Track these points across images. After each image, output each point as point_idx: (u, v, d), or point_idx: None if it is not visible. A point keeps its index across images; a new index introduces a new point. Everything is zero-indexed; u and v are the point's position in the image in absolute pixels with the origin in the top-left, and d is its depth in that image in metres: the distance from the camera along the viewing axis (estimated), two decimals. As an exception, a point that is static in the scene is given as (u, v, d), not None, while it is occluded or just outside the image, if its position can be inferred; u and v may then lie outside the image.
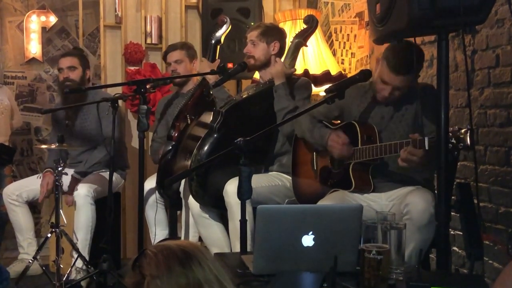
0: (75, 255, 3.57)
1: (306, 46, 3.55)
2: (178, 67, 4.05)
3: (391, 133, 2.82)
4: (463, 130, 2.22)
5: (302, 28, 3.54)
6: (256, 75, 3.84)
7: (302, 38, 3.47)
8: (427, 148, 2.42)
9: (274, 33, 3.48)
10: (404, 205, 2.58)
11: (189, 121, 3.68)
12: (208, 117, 3.39)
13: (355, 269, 1.97)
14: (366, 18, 3.96)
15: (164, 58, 4.19)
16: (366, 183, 2.85)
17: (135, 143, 4.46)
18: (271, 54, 3.45)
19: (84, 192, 3.75)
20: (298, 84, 3.39)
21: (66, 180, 3.69)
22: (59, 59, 4.16)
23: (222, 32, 3.72)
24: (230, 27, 3.74)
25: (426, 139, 2.41)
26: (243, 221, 2.48)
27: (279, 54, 3.47)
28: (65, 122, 4.10)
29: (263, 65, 3.45)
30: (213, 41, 3.73)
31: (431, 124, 2.57)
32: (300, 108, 3.15)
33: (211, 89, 3.55)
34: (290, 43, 3.50)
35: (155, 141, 4.13)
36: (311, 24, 3.50)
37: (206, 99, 3.67)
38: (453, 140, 2.22)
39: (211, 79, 3.57)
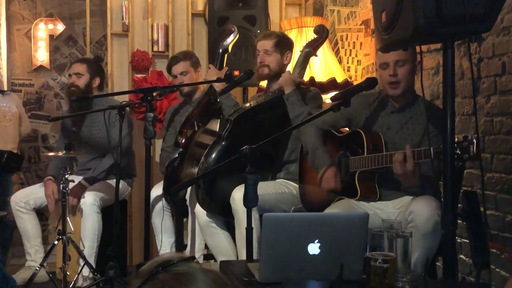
0: (82, 263, 3.58)
1: (316, 56, 3.56)
2: (185, 78, 4.03)
3: (398, 143, 2.81)
4: (468, 141, 2.21)
5: (313, 38, 3.54)
6: (263, 83, 3.85)
7: (312, 48, 3.48)
8: (432, 158, 2.42)
9: (287, 44, 3.52)
10: (409, 212, 2.57)
11: (196, 128, 3.69)
12: (215, 125, 3.40)
13: (361, 278, 1.96)
14: (372, 26, 3.97)
15: (169, 70, 4.18)
16: (372, 191, 2.84)
17: (141, 150, 4.48)
18: (283, 64, 3.47)
19: (90, 201, 3.76)
20: (310, 95, 3.39)
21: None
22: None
23: (229, 41, 3.74)
24: (237, 36, 3.75)
25: (432, 149, 2.41)
26: (249, 229, 2.48)
27: (288, 63, 3.50)
28: (72, 129, 4.12)
29: (276, 75, 3.46)
30: (220, 50, 3.75)
31: (437, 138, 2.56)
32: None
33: (219, 97, 3.56)
34: (300, 53, 3.51)
35: (164, 150, 4.14)
36: (322, 34, 3.51)
37: (213, 107, 3.68)
38: (458, 151, 2.22)
39: (218, 86, 3.57)
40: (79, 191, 3.85)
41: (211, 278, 1.16)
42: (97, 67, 4.20)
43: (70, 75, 4.14)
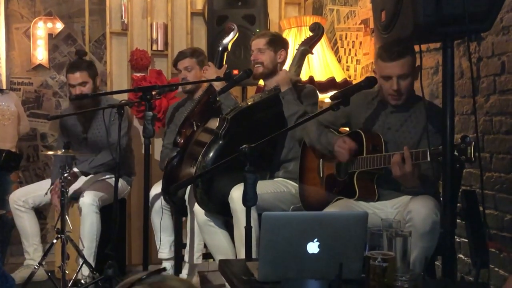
0: (81, 261, 3.58)
1: (312, 53, 3.56)
2: (188, 74, 4.04)
3: (399, 142, 2.81)
4: (466, 142, 2.21)
5: (308, 36, 3.54)
6: (261, 82, 3.84)
7: (308, 45, 3.48)
8: (429, 159, 2.42)
9: (280, 42, 3.51)
10: (407, 212, 2.57)
11: (195, 128, 3.69)
12: (214, 124, 3.40)
13: (361, 277, 1.96)
14: (371, 25, 3.97)
15: (175, 64, 4.18)
16: (370, 192, 2.84)
17: (140, 149, 4.47)
18: (277, 62, 3.47)
19: (89, 201, 3.75)
20: (305, 92, 3.40)
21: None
22: (68, 74, 3.99)
23: (229, 39, 3.74)
24: (237, 34, 3.75)
25: (428, 151, 2.41)
26: (248, 228, 2.48)
27: (284, 62, 3.49)
28: (79, 130, 4.08)
29: (270, 73, 3.46)
30: (220, 48, 3.75)
31: (436, 138, 2.56)
32: (309, 114, 3.15)
33: (218, 96, 3.56)
34: (296, 51, 3.51)
35: (165, 147, 4.14)
36: (317, 31, 3.51)
37: (212, 106, 3.68)
38: (455, 153, 2.22)
39: (218, 85, 3.57)
40: (72, 180, 3.82)
41: (185, 285, 1.22)
42: (93, 68, 4.10)
43: (73, 86, 3.95)
